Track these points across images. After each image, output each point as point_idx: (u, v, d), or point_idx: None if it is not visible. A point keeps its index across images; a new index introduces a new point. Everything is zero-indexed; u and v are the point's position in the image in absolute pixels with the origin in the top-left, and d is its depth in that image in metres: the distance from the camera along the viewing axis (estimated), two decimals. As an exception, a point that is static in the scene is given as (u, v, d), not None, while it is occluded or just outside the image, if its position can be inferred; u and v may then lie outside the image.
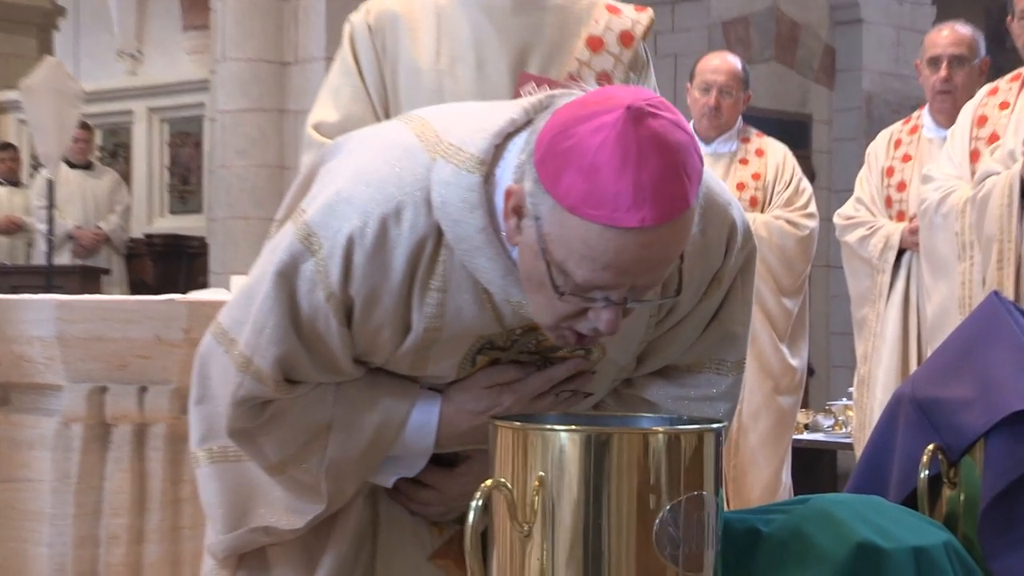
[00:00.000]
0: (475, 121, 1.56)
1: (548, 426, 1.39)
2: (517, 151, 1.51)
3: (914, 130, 4.61)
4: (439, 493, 1.73)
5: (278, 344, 1.56)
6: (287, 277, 1.56)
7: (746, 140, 4.86)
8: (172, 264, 8.82)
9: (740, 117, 4.88)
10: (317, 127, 2.17)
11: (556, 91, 1.54)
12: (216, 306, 3.13)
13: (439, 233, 1.54)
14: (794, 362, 4.75)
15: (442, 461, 1.72)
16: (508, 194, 1.47)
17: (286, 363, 1.58)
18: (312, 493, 1.67)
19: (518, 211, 1.46)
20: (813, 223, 4.74)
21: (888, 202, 4.58)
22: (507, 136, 1.54)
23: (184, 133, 9.52)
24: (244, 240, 6.14)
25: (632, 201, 1.38)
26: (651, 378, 1.76)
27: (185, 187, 9.57)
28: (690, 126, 1.43)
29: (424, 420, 1.66)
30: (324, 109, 2.17)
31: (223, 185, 6.31)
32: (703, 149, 5.11)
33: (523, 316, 1.58)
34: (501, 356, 1.66)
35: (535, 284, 1.48)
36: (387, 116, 2.12)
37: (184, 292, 3.43)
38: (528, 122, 1.54)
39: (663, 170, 1.39)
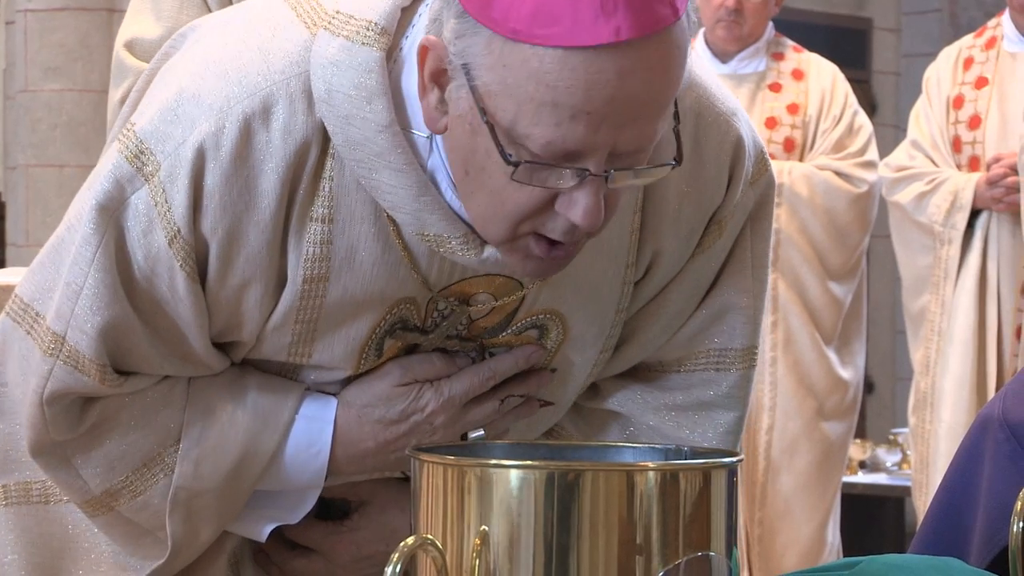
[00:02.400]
0: None
1: (493, 460, 1.42)
2: (431, 6, 1.51)
3: (991, 43, 4.66)
4: (323, 559, 1.74)
5: (101, 311, 1.56)
6: (111, 213, 1.55)
7: (779, 57, 4.91)
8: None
9: (771, 24, 4.93)
10: (131, 46, 2.19)
11: None
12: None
13: (325, 137, 1.55)
14: (845, 374, 4.81)
15: (328, 512, 1.74)
16: (423, 52, 1.48)
17: (114, 340, 1.58)
18: (150, 540, 1.68)
19: (439, 77, 1.47)
20: (873, 176, 4.80)
21: (956, 144, 4.64)
22: None
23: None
24: (58, 198, 6.12)
25: (599, 6, 1.39)
26: (621, 381, 1.78)
27: (-30, 121, 9.48)
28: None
29: (313, 432, 1.67)
30: (140, 21, 2.19)
31: (26, 119, 6.27)
32: (718, 69, 5.17)
33: (448, 262, 1.58)
34: (421, 342, 1.68)
35: (473, 173, 1.48)
36: None
37: (-28, 273, 3.41)
38: None
39: None
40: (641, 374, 1.78)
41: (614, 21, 1.39)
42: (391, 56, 1.53)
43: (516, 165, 1.44)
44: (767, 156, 1.72)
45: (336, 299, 1.60)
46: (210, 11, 2.18)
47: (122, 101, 2.22)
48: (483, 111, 1.43)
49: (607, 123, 1.42)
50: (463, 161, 1.49)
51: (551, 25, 1.39)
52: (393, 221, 1.57)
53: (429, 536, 1.40)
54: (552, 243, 1.52)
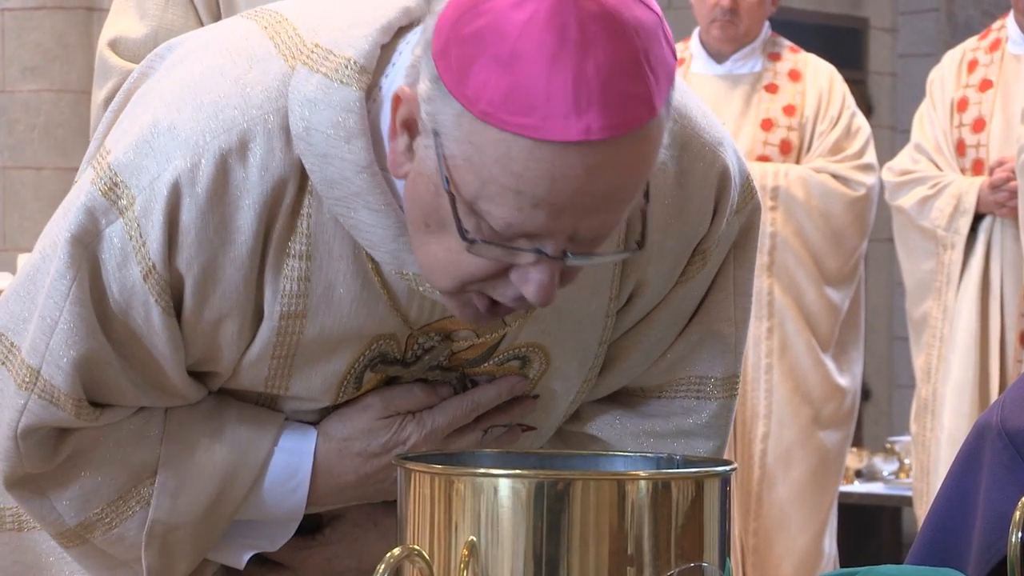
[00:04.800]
0: (352, 13, 1.57)
1: (482, 469, 1.42)
2: (413, 51, 1.51)
3: (995, 45, 4.68)
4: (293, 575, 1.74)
5: (76, 345, 1.56)
6: (86, 246, 1.55)
7: (775, 58, 4.92)
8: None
9: (767, 24, 4.94)
10: (115, 45, 2.19)
11: None
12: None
13: (302, 173, 1.55)
14: (842, 381, 4.81)
15: (299, 526, 1.72)
16: (396, 101, 1.47)
17: (89, 374, 1.58)
18: (125, 573, 1.68)
19: (410, 126, 1.47)
20: (871, 178, 4.81)
21: (960, 148, 4.65)
22: (399, 32, 1.55)
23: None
24: (35, 201, 6.11)
25: (572, 103, 1.38)
26: (601, 406, 1.78)
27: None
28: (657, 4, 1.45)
29: (292, 464, 1.67)
30: (124, 20, 2.18)
31: (3, 120, 6.27)
32: (713, 70, 5.16)
33: (428, 300, 1.59)
34: (402, 374, 1.68)
35: (432, 228, 1.48)
36: None
37: (-52, 278, 3.41)
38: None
39: (615, 59, 1.39)
40: (621, 399, 1.78)
41: (586, 119, 1.38)
42: (370, 95, 1.53)
43: (472, 243, 1.44)
44: (753, 184, 1.72)
45: (314, 336, 1.60)
46: (195, 10, 2.18)
47: (106, 102, 2.22)
48: (447, 180, 1.43)
49: (569, 213, 1.42)
50: (424, 215, 1.48)
51: (523, 115, 1.38)
52: (372, 259, 1.57)
53: (415, 546, 1.40)
54: (494, 304, 1.52)
